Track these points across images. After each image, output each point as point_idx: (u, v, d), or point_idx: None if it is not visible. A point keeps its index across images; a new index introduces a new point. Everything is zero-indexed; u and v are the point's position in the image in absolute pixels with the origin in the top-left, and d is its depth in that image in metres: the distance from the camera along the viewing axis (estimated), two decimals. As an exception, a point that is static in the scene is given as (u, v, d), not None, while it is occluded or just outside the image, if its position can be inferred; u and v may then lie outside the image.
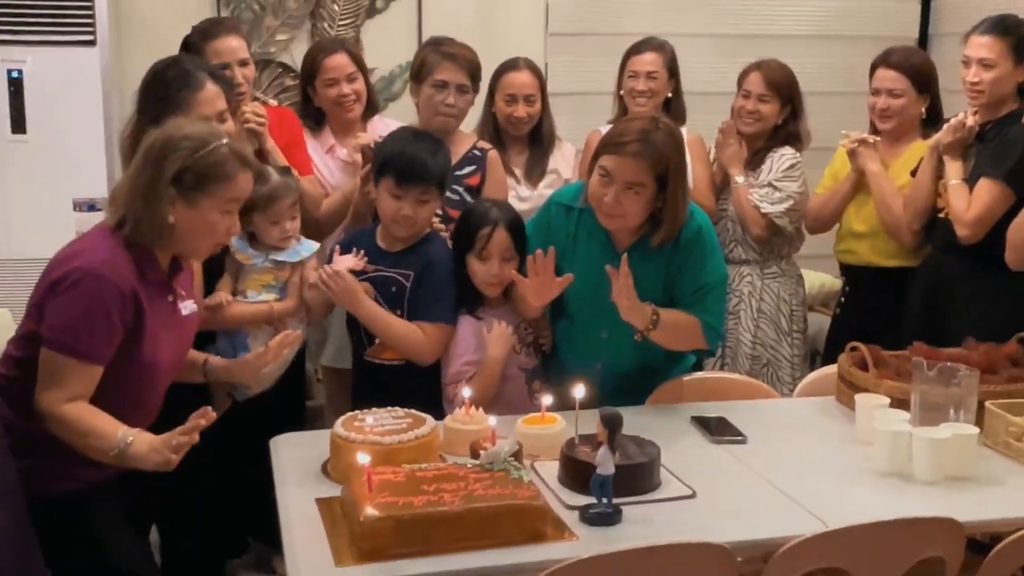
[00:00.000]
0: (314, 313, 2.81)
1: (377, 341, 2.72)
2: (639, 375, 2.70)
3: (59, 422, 2.09)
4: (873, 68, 3.37)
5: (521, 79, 3.40)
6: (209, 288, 2.69)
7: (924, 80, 3.31)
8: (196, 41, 3.13)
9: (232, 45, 3.10)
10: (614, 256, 2.55)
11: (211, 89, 2.58)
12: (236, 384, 2.71)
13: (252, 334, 2.70)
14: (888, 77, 3.31)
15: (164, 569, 2.81)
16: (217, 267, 2.73)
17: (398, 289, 2.71)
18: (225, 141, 2.21)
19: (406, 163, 2.67)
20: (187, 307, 2.34)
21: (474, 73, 3.22)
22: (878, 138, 3.33)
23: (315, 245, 2.82)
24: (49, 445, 2.12)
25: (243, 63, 3.11)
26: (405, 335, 2.65)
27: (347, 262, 2.66)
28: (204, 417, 2.05)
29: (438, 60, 3.15)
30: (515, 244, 2.66)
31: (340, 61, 3.32)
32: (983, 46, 3.07)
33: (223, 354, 2.67)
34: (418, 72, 3.21)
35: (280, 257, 2.74)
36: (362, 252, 2.71)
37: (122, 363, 2.15)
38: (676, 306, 2.61)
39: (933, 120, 3.37)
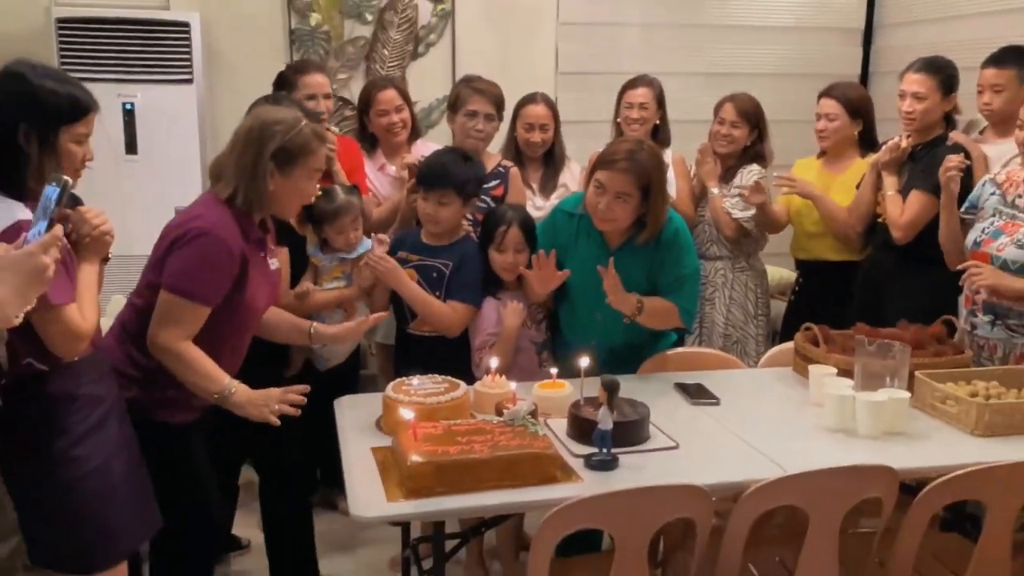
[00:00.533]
0: (375, 297, 2.83)
1: (416, 317, 2.74)
2: (627, 350, 2.69)
3: (176, 357, 2.12)
4: (818, 98, 3.36)
5: (537, 111, 3.39)
6: (293, 284, 2.75)
7: (856, 108, 3.28)
8: (289, 75, 3.16)
9: (319, 80, 3.12)
10: (608, 253, 2.59)
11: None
12: (317, 356, 2.79)
13: (328, 317, 2.75)
14: (827, 104, 3.30)
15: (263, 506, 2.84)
16: (298, 267, 2.79)
17: (438, 275, 2.72)
18: (305, 123, 2.23)
19: (429, 171, 2.76)
20: (274, 263, 2.37)
21: (499, 104, 3.24)
22: (797, 181, 3.33)
23: (371, 243, 2.81)
24: (165, 381, 2.16)
25: (326, 96, 3.14)
26: (437, 311, 2.66)
27: (379, 248, 2.67)
28: (302, 392, 2.16)
29: (469, 94, 3.17)
30: (526, 238, 2.69)
31: (390, 95, 3.32)
32: (916, 82, 3.05)
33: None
34: (453, 103, 3.24)
35: (344, 256, 2.79)
36: (385, 236, 2.76)
37: (228, 309, 2.18)
38: (658, 293, 2.62)
39: (868, 143, 3.34)
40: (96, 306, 1.91)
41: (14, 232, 1.71)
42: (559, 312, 2.80)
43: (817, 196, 3.27)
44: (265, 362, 2.59)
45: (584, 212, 2.64)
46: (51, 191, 1.55)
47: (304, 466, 2.93)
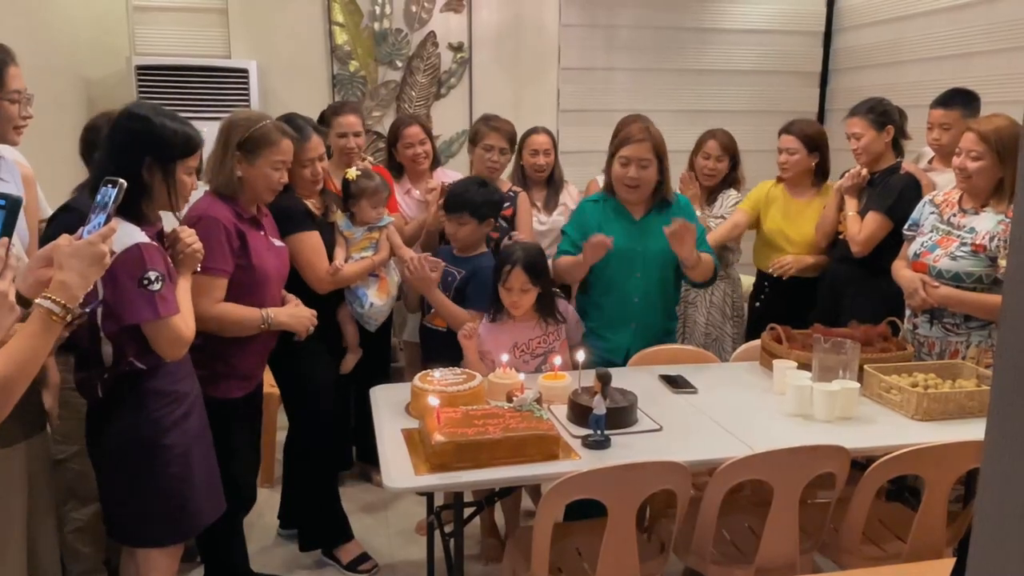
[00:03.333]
0: (409, 300, 2.96)
1: (432, 311, 2.78)
2: (662, 307, 2.77)
3: (215, 319, 2.17)
4: (779, 134, 3.35)
5: (541, 139, 3.42)
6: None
7: (813, 142, 3.25)
8: (328, 115, 3.17)
9: (351, 120, 3.13)
10: (634, 223, 2.72)
11: (315, 139, 2.58)
12: (366, 319, 2.80)
13: (366, 284, 2.79)
14: (787, 140, 3.27)
15: (294, 478, 2.85)
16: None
17: (452, 279, 2.76)
18: (270, 120, 2.28)
19: (451, 197, 2.78)
20: (277, 243, 2.39)
21: (512, 140, 3.26)
22: (789, 262, 3.26)
23: (391, 217, 2.89)
24: (208, 359, 2.18)
25: (356, 134, 3.14)
26: (451, 312, 2.68)
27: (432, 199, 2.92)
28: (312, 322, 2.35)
29: (487, 131, 3.19)
30: (530, 277, 2.50)
31: (415, 131, 3.33)
32: (854, 124, 3.07)
33: (350, 303, 2.79)
34: (473, 137, 3.26)
35: (371, 227, 2.81)
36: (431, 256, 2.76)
37: (244, 272, 2.22)
38: None
39: (823, 172, 3.32)
40: (193, 314, 1.91)
41: (134, 252, 1.74)
42: (593, 296, 2.76)
43: (805, 259, 3.26)
44: (318, 353, 2.62)
45: (607, 196, 2.75)
46: (109, 191, 1.54)
47: (337, 441, 2.94)
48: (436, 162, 3.47)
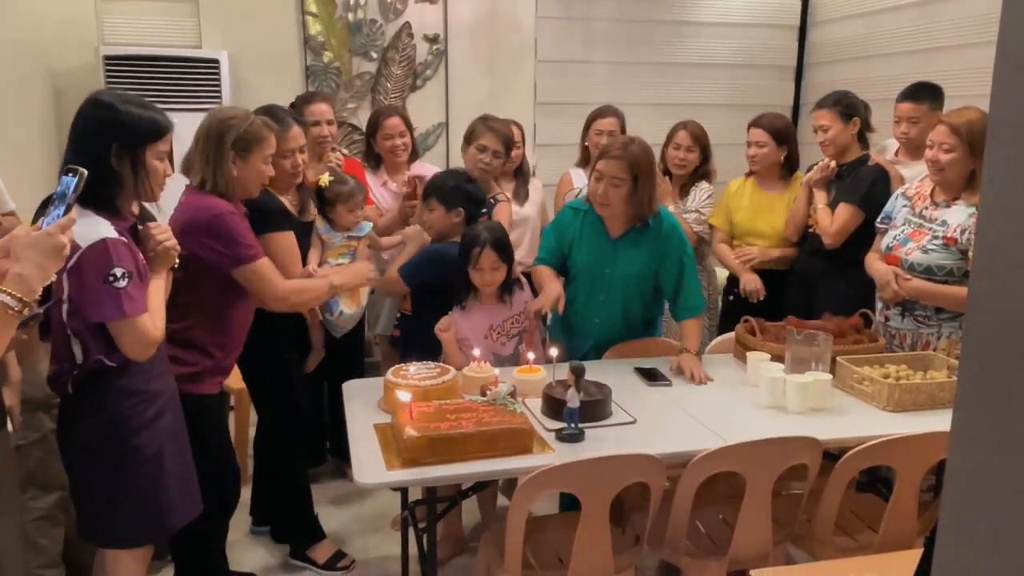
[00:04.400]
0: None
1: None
2: (624, 329, 2.72)
3: (296, 293, 2.32)
4: (748, 127, 3.35)
5: (490, 137, 3.40)
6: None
7: (781, 136, 3.26)
8: (299, 104, 3.13)
9: (322, 108, 3.09)
10: (610, 241, 2.62)
11: (296, 129, 2.55)
12: (332, 325, 2.78)
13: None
14: (756, 133, 3.27)
15: (263, 475, 2.82)
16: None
17: None
18: (255, 116, 2.27)
19: (426, 186, 2.78)
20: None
21: (507, 144, 3.15)
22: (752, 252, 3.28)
23: (370, 225, 2.87)
24: (206, 355, 2.19)
25: (329, 122, 3.10)
26: (386, 282, 2.75)
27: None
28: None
29: (484, 131, 3.10)
30: (499, 256, 2.54)
31: (395, 122, 3.30)
32: (820, 116, 3.08)
33: (323, 311, 2.76)
34: (469, 136, 3.15)
35: (349, 234, 2.78)
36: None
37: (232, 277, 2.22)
38: (661, 282, 2.65)
39: (791, 167, 3.33)
40: (163, 314, 1.86)
41: (100, 248, 1.69)
42: (566, 294, 2.70)
43: (770, 252, 3.27)
44: (289, 349, 2.59)
45: (588, 207, 2.64)
46: (69, 180, 1.51)
47: (309, 438, 2.91)
48: (415, 155, 3.44)
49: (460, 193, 2.74)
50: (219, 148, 2.18)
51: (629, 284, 2.62)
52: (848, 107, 3.04)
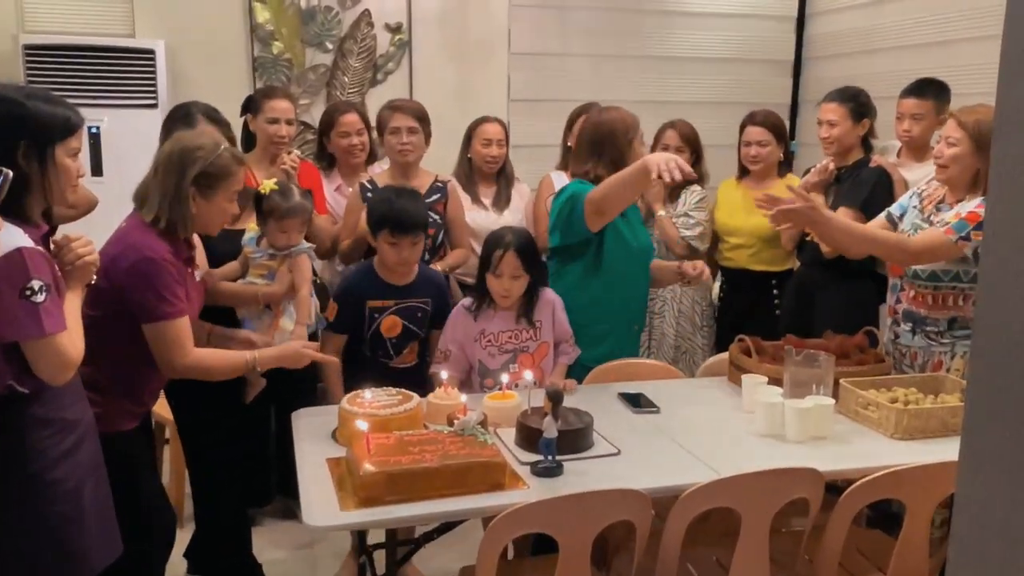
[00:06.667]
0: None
1: (400, 355, 2.69)
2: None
3: (202, 369, 2.22)
4: (743, 127, 3.40)
5: (493, 128, 3.44)
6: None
7: (781, 132, 3.37)
8: (258, 98, 3.13)
9: (283, 106, 3.09)
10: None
11: (208, 130, 2.53)
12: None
13: (256, 320, 2.60)
14: (757, 132, 3.34)
15: (198, 516, 2.78)
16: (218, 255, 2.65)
17: (423, 315, 2.67)
18: (224, 147, 2.24)
19: (397, 217, 2.56)
20: (198, 274, 2.36)
21: (421, 116, 3.16)
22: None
23: (307, 245, 2.67)
24: (119, 396, 2.14)
25: (289, 122, 3.10)
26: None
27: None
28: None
29: (390, 114, 3.17)
30: (523, 264, 2.52)
31: (352, 118, 3.31)
32: (829, 111, 3.14)
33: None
34: (380, 127, 3.23)
35: (275, 252, 2.61)
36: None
37: None
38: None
39: (785, 165, 3.41)
40: (82, 332, 1.84)
41: (16, 258, 1.67)
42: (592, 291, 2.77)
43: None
44: (226, 388, 2.54)
45: None
46: None
47: (246, 476, 2.87)
48: (372, 156, 3.44)
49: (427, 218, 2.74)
50: (180, 181, 2.14)
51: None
52: (861, 106, 3.11)
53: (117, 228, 2.23)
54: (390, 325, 2.65)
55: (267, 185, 2.61)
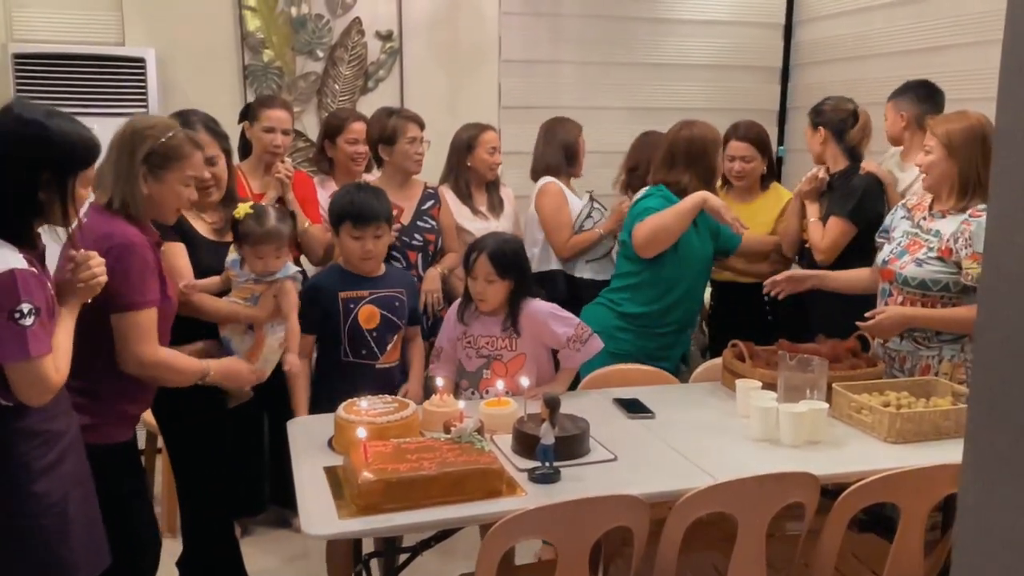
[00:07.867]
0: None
1: (389, 347, 2.69)
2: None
3: (165, 366, 2.15)
4: (726, 140, 3.36)
5: (495, 136, 3.48)
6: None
7: (764, 145, 3.36)
8: (255, 107, 3.13)
9: (280, 115, 3.10)
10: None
11: (203, 138, 2.46)
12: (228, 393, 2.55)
13: (239, 341, 2.50)
14: (741, 147, 3.33)
15: (184, 526, 2.75)
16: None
17: (400, 304, 2.70)
18: (179, 129, 2.20)
19: (358, 210, 2.60)
20: (181, 283, 2.36)
21: (420, 123, 3.23)
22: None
23: (293, 269, 2.57)
24: (111, 405, 2.12)
25: (285, 132, 3.11)
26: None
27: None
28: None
29: (403, 122, 3.16)
30: (496, 269, 2.55)
31: (361, 127, 3.33)
32: (809, 128, 3.21)
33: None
34: (391, 136, 3.16)
35: (256, 277, 2.51)
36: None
37: (160, 307, 2.15)
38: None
39: (767, 175, 3.43)
40: (69, 355, 1.82)
41: (7, 280, 1.66)
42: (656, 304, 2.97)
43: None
44: (209, 392, 2.51)
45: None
46: None
47: (237, 484, 2.85)
48: (369, 166, 3.44)
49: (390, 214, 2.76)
50: (131, 161, 2.11)
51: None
52: (818, 115, 3.18)
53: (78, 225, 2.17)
54: (368, 315, 2.65)
55: (242, 209, 2.52)
